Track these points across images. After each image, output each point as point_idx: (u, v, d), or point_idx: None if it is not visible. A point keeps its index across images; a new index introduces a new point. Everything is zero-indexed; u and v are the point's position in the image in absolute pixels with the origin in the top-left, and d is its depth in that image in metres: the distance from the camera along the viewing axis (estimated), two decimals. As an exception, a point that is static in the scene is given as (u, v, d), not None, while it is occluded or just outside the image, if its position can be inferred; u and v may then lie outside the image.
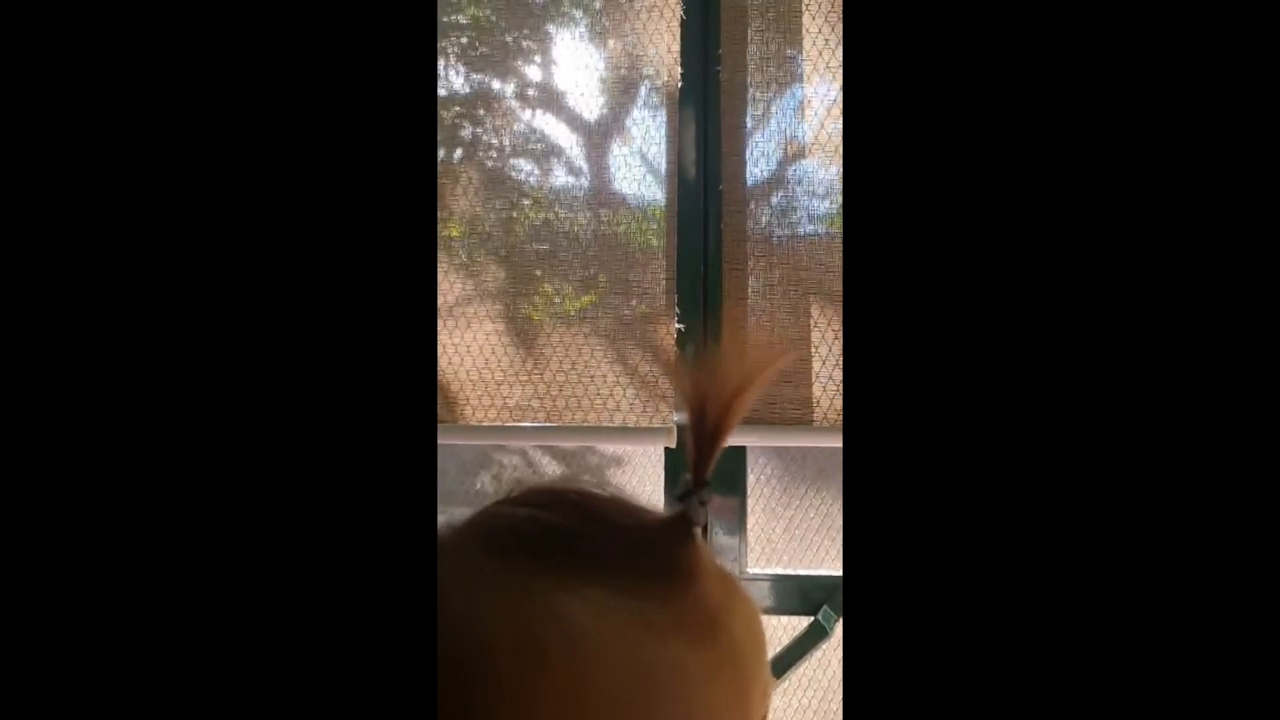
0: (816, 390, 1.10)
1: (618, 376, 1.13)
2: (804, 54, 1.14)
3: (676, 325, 1.12)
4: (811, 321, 1.11)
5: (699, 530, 0.33)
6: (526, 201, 1.19)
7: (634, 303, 1.13)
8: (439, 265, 1.18)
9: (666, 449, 1.13)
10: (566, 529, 0.33)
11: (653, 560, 0.33)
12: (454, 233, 1.19)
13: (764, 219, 1.13)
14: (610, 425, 1.13)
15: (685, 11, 1.16)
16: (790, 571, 1.16)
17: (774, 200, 1.14)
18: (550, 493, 0.35)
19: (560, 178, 1.20)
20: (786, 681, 1.15)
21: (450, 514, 0.35)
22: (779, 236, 1.12)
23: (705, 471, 0.34)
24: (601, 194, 1.18)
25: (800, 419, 1.10)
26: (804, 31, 1.14)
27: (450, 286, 1.18)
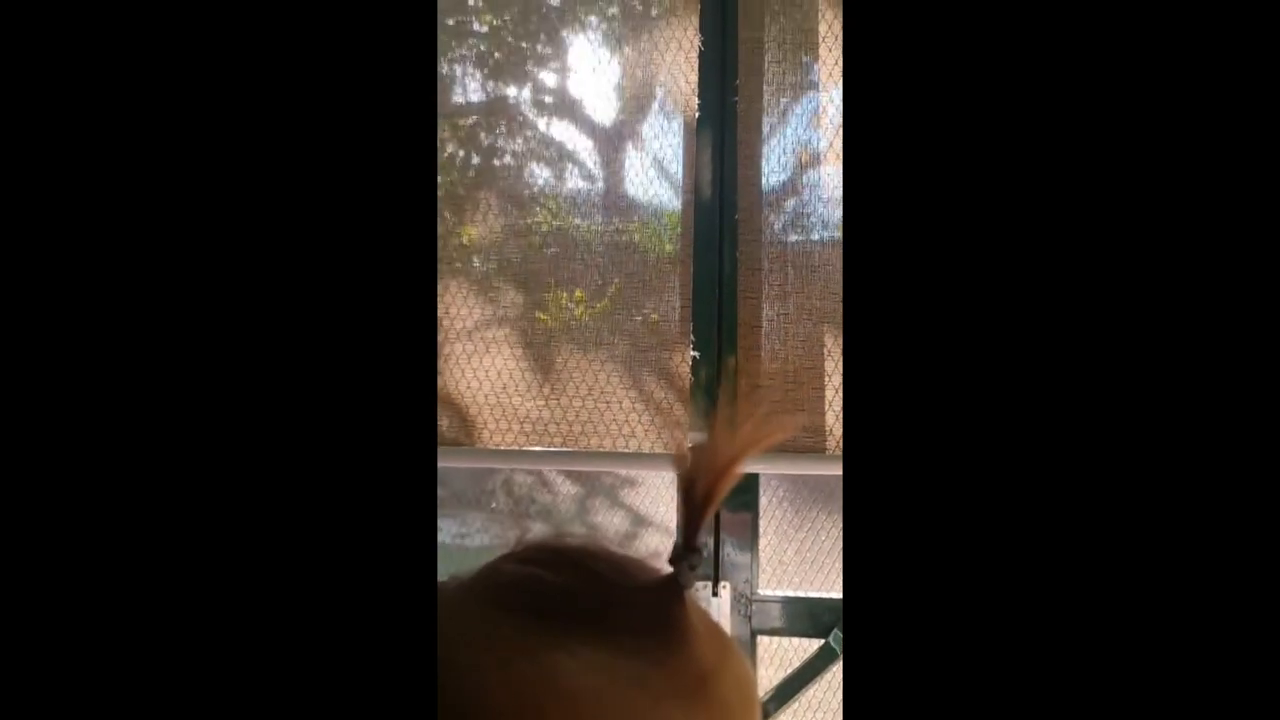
0: (829, 419, 1.11)
1: (633, 402, 1.15)
2: (819, 62, 1.15)
3: (691, 353, 1.14)
4: (825, 350, 1.12)
5: (689, 593, 0.35)
6: (540, 208, 1.20)
7: (647, 310, 1.15)
8: (457, 287, 1.20)
9: (680, 474, 1.14)
10: (566, 588, 0.34)
11: (646, 620, 0.34)
12: (466, 239, 1.20)
13: (779, 240, 1.14)
14: (625, 451, 1.14)
15: (703, 43, 1.17)
16: (801, 594, 1.18)
17: (788, 220, 1.15)
18: (552, 550, 0.37)
19: (574, 183, 1.21)
20: (796, 704, 1.17)
21: (462, 567, 0.36)
22: (794, 259, 1.14)
23: (695, 539, 0.35)
24: (616, 201, 1.19)
25: (813, 447, 1.11)
26: (820, 63, 1.15)
27: (469, 311, 1.20)
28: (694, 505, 0.35)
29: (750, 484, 1.15)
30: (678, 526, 0.36)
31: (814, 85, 1.15)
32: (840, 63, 1.13)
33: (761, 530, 1.17)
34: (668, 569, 0.36)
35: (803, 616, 1.15)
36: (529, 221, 1.20)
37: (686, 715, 0.33)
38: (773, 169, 1.16)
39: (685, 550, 0.35)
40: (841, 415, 1.11)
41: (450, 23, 1.27)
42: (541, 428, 1.16)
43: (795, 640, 1.16)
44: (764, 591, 1.17)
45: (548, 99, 1.25)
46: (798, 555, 1.29)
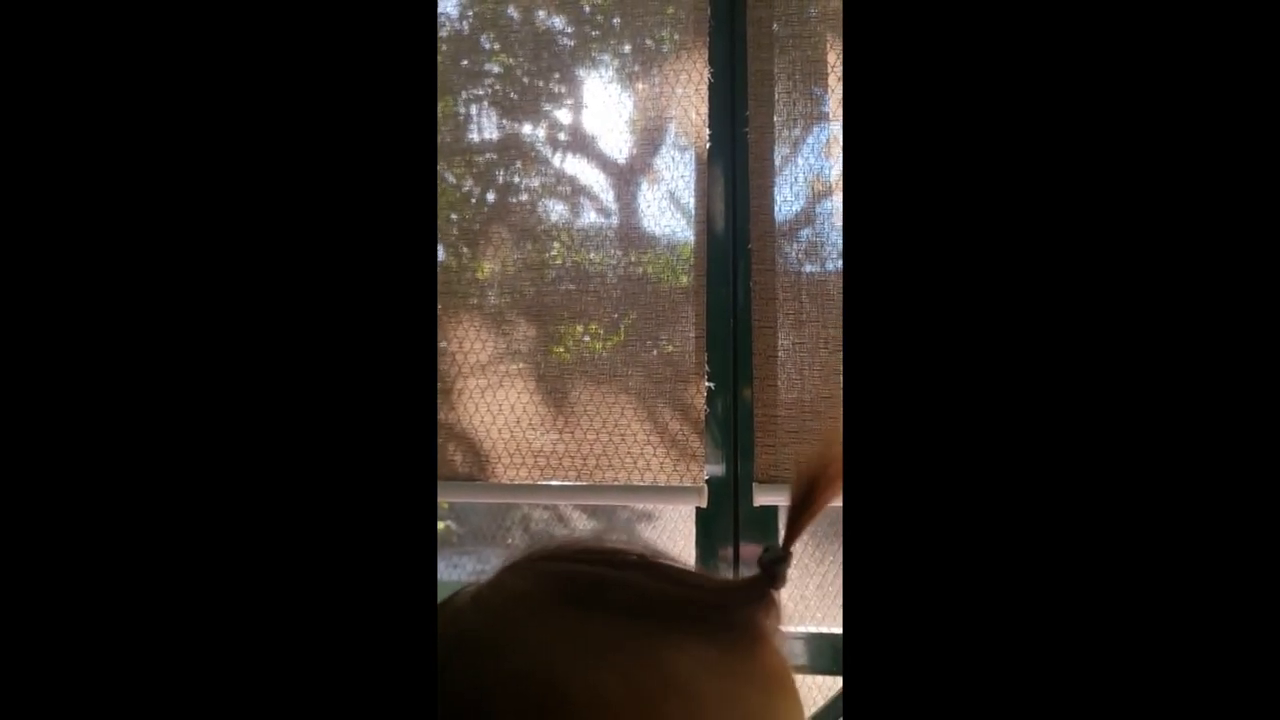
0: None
1: (648, 435, 1.13)
2: (829, 93, 1.15)
3: (707, 384, 1.13)
4: (842, 379, 1.11)
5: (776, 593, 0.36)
6: (555, 243, 1.21)
7: (662, 342, 1.14)
8: (470, 321, 1.20)
9: (698, 508, 1.13)
10: (658, 588, 0.35)
11: (742, 618, 0.35)
12: (481, 274, 1.21)
13: (793, 270, 1.14)
14: (640, 484, 1.13)
15: (713, 75, 1.17)
16: (824, 630, 1.15)
17: (801, 250, 1.15)
18: (610, 551, 0.37)
19: (588, 218, 1.22)
20: (821, 744, 1.13)
21: (488, 566, 0.37)
22: (809, 288, 1.13)
23: (793, 543, 0.37)
24: (630, 234, 1.19)
25: (832, 478, 1.09)
26: (829, 90, 1.15)
27: (484, 345, 1.20)
28: (800, 511, 0.37)
29: (769, 517, 1.13)
30: (784, 531, 0.38)
31: (825, 116, 1.15)
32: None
33: (782, 564, 1.15)
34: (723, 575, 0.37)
35: (826, 653, 1.12)
36: (543, 256, 1.20)
37: (777, 703, 0.34)
38: (785, 199, 1.16)
39: (782, 553, 0.36)
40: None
41: (465, 64, 1.29)
42: (556, 462, 1.15)
43: (819, 678, 1.13)
44: (785, 627, 1.14)
45: (562, 135, 1.26)
46: (819, 590, 1.26)
